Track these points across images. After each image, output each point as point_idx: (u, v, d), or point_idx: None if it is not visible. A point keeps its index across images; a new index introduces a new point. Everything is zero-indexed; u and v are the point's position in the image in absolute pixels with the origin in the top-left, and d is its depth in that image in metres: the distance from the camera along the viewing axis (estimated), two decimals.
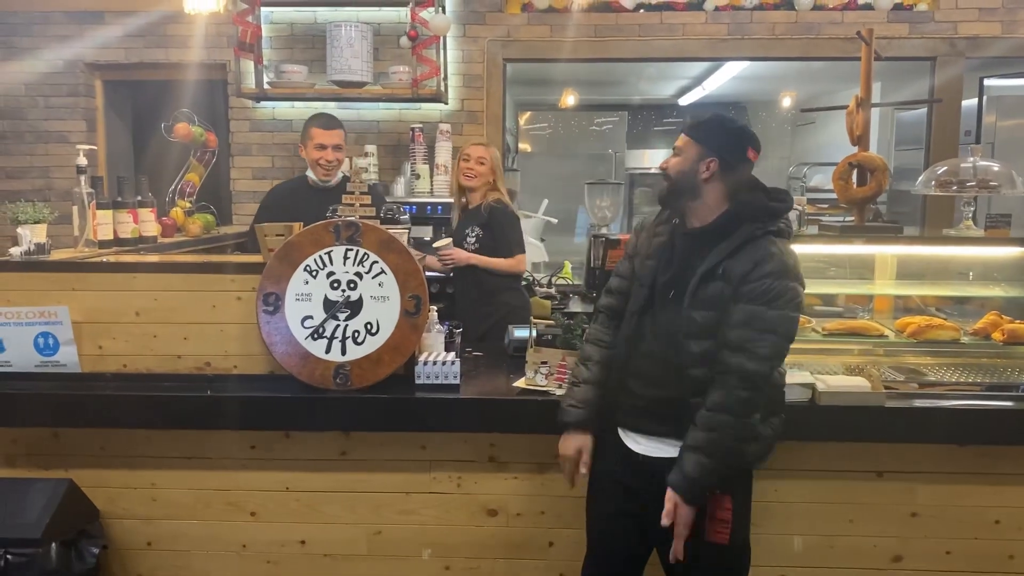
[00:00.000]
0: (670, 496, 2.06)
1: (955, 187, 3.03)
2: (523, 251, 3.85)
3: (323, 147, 3.63)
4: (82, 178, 3.14)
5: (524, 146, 8.61)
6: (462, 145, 4.03)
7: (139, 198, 3.40)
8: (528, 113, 8.73)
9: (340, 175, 3.73)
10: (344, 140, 3.72)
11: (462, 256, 3.81)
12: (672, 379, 2.12)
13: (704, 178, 2.15)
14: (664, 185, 2.23)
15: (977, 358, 3.10)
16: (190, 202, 4.36)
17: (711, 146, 2.16)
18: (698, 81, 7.64)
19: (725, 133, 2.19)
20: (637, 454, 2.20)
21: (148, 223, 3.43)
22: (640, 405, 2.19)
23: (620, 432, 2.25)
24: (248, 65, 4.85)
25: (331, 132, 3.65)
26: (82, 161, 3.15)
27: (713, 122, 2.21)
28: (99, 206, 3.16)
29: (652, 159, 9.04)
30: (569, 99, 8.06)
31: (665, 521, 2.06)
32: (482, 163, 3.82)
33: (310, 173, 3.72)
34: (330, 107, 4.97)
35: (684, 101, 8.99)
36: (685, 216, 2.23)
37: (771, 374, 2.09)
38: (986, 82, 5.59)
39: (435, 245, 3.91)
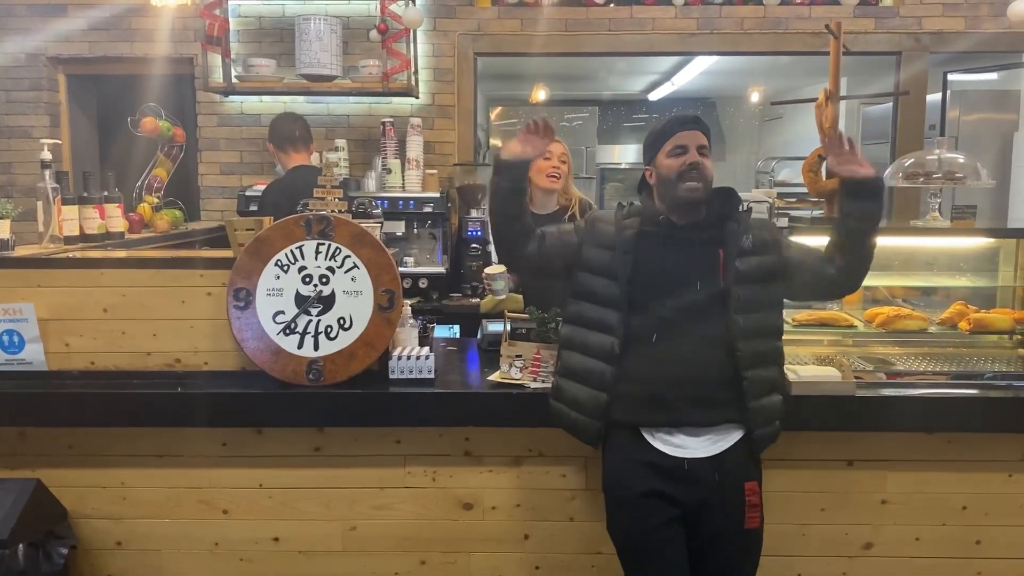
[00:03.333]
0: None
1: (922, 179, 3.07)
2: None
3: None
4: (46, 173, 3.08)
5: (495, 141, 8.60)
6: None
7: (105, 193, 3.35)
8: (499, 108, 8.72)
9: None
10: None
11: None
12: (724, 360, 2.20)
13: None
14: (703, 188, 2.26)
15: (944, 347, 3.15)
16: (158, 197, 4.30)
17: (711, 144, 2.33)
18: (667, 76, 7.68)
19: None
20: (673, 457, 2.20)
21: (115, 219, 3.37)
22: (694, 395, 2.20)
23: (651, 438, 2.23)
24: (216, 59, 4.79)
25: None
26: (46, 156, 3.09)
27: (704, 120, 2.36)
28: (64, 202, 3.10)
29: (623, 154, 9.09)
30: (540, 94, 8.06)
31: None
32: (564, 161, 3.50)
33: None
34: (299, 101, 4.93)
35: (654, 96, 9.03)
36: (671, 213, 2.31)
37: None
38: (950, 77, 5.68)
39: (488, 272, 3.43)
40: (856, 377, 2.62)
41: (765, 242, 2.30)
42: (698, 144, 2.27)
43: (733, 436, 2.24)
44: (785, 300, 2.40)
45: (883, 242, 3.21)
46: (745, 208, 2.33)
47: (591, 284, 2.32)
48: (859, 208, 2.25)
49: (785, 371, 2.49)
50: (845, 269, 2.30)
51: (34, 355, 2.63)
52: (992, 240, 3.19)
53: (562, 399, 2.36)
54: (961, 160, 3.13)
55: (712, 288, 2.22)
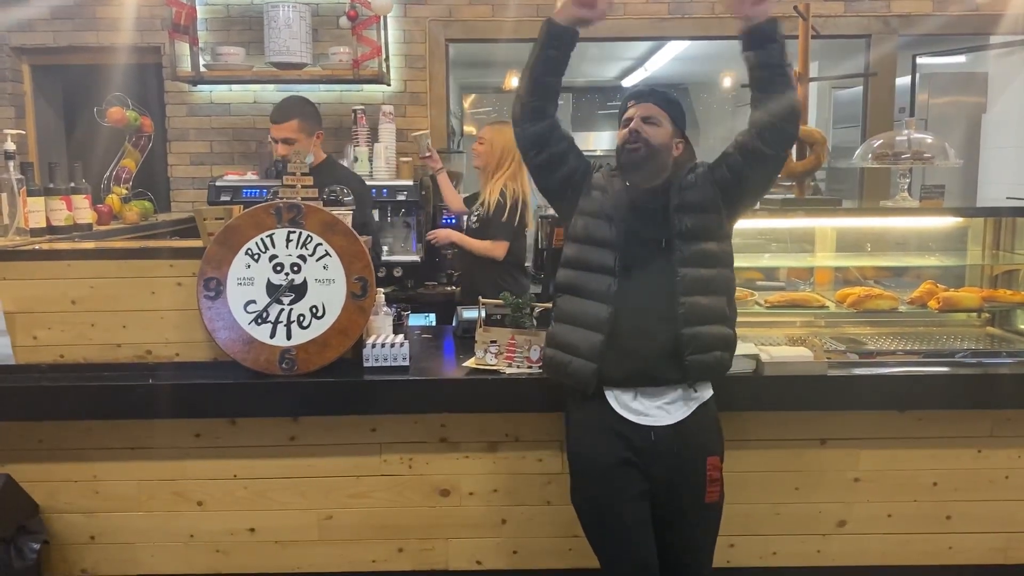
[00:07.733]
0: None
1: (891, 159, 3.10)
2: (506, 239, 3.85)
3: (275, 141, 3.52)
4: (11, 164, 3.03)
5: (469, 128, 8.58)
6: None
7: (72, 184, 3.29)
8: (472, 96, 8.69)
9: (311, 157, 3.56)
10: (297, 130, 3.47)
11: (442, 235, 4.09)
12: (667, 302, 2.18)
13: (674, 156, 2.28)
14: (643, 151, 2.23)
15: (914, 326, 3.19)
16: (126, 188, 4.24)
17: (680, 127, 2.30)
18: (640, 62, 7.68)
19: (684, 118, 2.33)
20: (640, 426, 2.19)
21: (82, 210, 3.32)
22: (658, 348, 2.18)
23: (615, 402, 2.22)
24: (183, 48, 4.72)
25: (277, 127, 3.49)
26: (10, 146, 3.04)
27: (679, 105, 2.32)
28: (30, 193, 3.05)
29: (597, 141, 9.09)
30: (513, 81, 8.03)
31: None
32: (481, 143, 3.93)
33: None
34: (269, 89, 4.88)
35: (627, 82, 9.04)
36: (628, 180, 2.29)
37: None
38: (918, 60, 5.73)
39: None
40: (828, 357, 2.64)
41: (701, 174, 2.29)
42: (643, 115, 2.25)
43: (690, 402, 2.22)
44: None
45: (854, 223, 3.28)
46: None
47: (591, 227, 2.28)
48: (763, 56, 2.20)
49: (759, 351, 2.52)
50: (769, 126, 2.22)
51: (1, 349, 2.59)
52: (960, 220, 3.23)
53: (558, 344, 2.30)
54: (929, 140, 3.16)
55: (664, 236, 2.22)
